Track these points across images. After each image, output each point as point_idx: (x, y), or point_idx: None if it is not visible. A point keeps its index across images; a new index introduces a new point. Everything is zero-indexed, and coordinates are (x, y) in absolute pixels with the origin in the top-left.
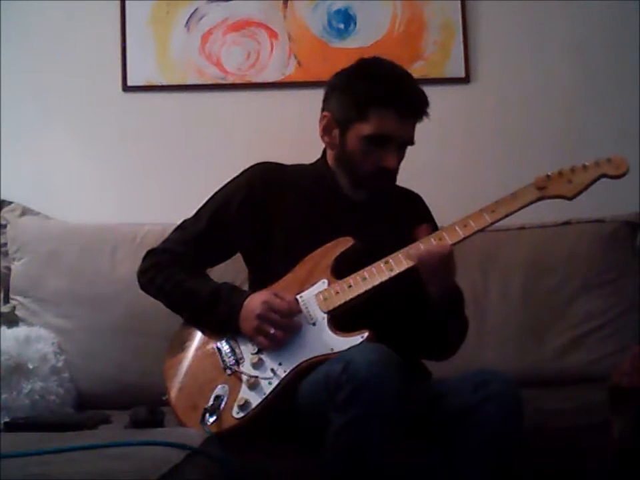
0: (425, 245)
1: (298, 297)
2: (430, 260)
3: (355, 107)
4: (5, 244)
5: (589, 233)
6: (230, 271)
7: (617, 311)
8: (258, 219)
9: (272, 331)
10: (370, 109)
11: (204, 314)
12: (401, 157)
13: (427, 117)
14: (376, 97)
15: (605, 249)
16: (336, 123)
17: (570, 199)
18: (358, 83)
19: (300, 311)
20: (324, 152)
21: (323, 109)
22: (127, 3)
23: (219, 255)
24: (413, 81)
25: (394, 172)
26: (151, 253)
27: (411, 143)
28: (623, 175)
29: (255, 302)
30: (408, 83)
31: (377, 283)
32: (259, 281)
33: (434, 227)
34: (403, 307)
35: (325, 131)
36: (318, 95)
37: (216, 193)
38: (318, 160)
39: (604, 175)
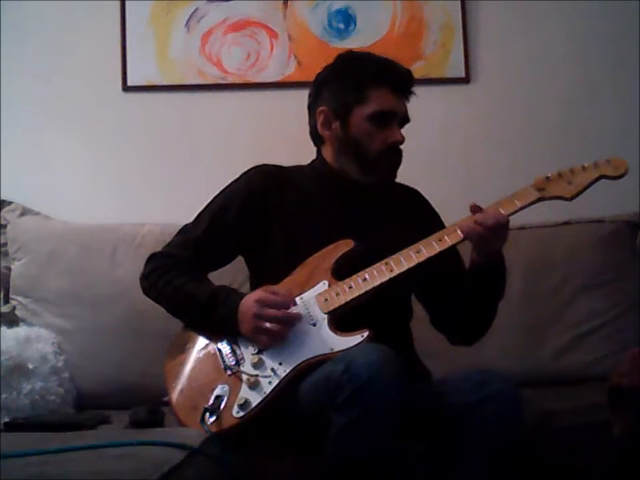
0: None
1: (298, 298)
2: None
3: (351, 91)
4: (5, 244)
5: (589, 233)
6: (229, 272)
7: (617, 311)
8: (258, 222)
9: (268, 325)
10: (367, 89)
11: (202, 317)
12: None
13: (414, 95)
14: (370, 77)
15: (605, 248)
16: (334, 114)
17: (569, 199)
18: (349, 69)
19: (294, 302)
20: (318, 151)
21: (317, 106)
22: (127, 3)
23: (220, 258)
24: (396, 61)
25: (400, 148)
26: (152, 258)
27: (408, 119)
28: (622, 176)
29: (249, 302)
30: (394, 62)
31: (377, 284)
32: (260, 284)
33: (437, 219)
34: (403, 307)
35: (325, 126)
36: None
37: (215, 197)
38: (314, 160)
39: (603, 176)
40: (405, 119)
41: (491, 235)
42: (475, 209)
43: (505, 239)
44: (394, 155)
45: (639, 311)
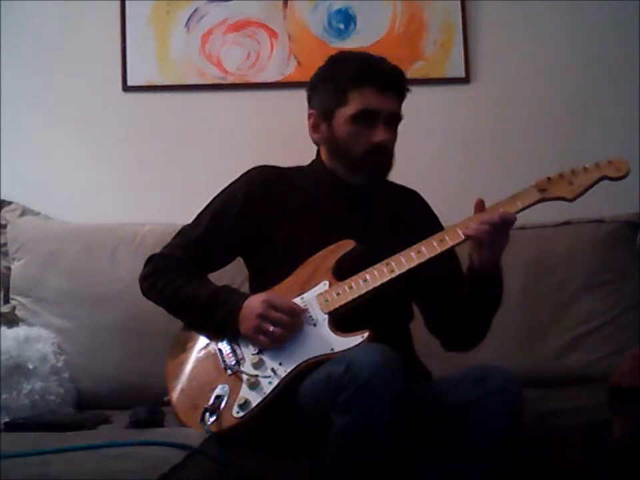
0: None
1: (299, 298)
2: (495, 224)
3: (333, 94)
4: (5, 244)
5: (589, 233)
6: (228, 272)
7: (617, 311)
8: (258, 223)
9: (272, 328)
10: (348, 91)
11: (203, 317)
12: (391, 133)
13: (409, 91)
14: (351, 78)
15: (605, 249)
16: (321, 117)
17: (570, 200)
18: (332, 72)
19: (301, 310)
20: (317, 152)
21: (309, 109)
22: (127, 3)
23: (220, 259)
24: (384, 59)
25: (387, 148)
26: (152, 259)
27: (398, 117)
28: (624, 177)
29: (255, 302)
30: (379, 60)
31: (377, 284)
32: (260, 284)
33: (436, 221)
34: (404, 307)
35: (314, 129)
36: None
37: (215, 198)
38: (314, 160)
39: (605, 177)
40: (394, 117)
41: (497, 234)
42: (480, 205)
43: (507, 239)
44: (379, 155)
45: (639, 311)
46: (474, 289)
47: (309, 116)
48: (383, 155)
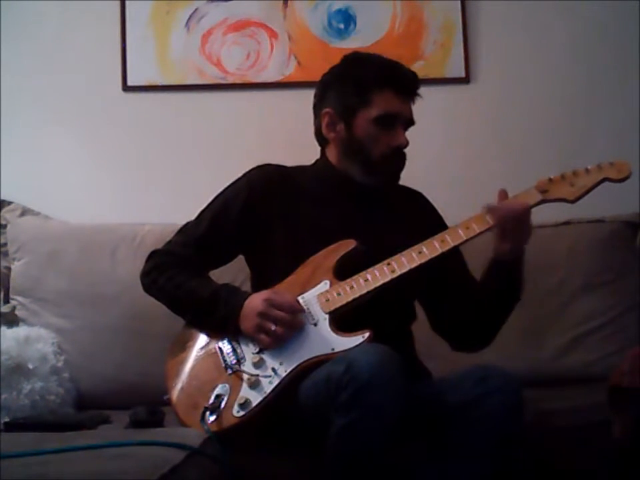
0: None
1: (300, 297)
2: (510, 215)
3: (356, 94)
4: (5, 244)
5: (589, 233)
6: (229, 271)
7: (617, 311)
8: (259, 222)
9: (273, 327)
10: (371, 92)
11: (204, 315)
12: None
13: (420, 97)
14: (375, 80)
15: (605, 248)
16: (339, 116)
17: (572, 202)
18: (354, 72)
19: (302, 310)
20: (322, 151)
21: (321, 108)
22: (127, 3)
23: (221, 257)
24: (401, 63)
25: (403, 151)
26: (153, 255)
27: (413, 122)
28: (625, 178)
29: (256, 300)
30: (399, 64)
31: (378, 284)
32: (261, 283)
33: (440, 221)
34: (405, 307)
35: (329, 128)
36: None
37: (217, 196)
38: (318, 160)
39: (606, 179)
40: (410, 122)
41: (512, 223)
42: (503, 194)
43: (528, 231)
44: (397, 159)
45: (639, 311)
46: (494, 281)
47: (324, 114)
48: (400, 159)
